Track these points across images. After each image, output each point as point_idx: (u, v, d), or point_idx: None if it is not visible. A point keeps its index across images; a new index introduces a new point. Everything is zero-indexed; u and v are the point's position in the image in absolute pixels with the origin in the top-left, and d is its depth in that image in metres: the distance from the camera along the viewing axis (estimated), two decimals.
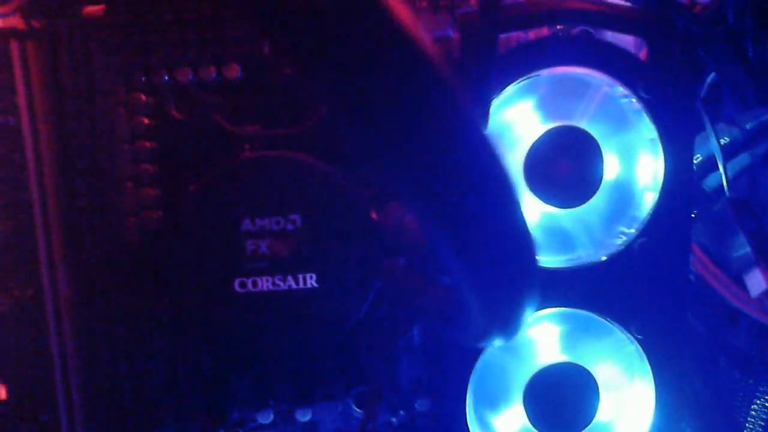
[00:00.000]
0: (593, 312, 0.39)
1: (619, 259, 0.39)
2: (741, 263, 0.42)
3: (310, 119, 0.40)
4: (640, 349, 0.39)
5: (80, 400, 0.42)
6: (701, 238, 0.44)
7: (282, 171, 0.39)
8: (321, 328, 0.41)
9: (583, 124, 0.37)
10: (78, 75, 0.39)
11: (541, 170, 0.37)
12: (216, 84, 0.40)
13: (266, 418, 0.43)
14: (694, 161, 0.40)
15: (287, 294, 0.40)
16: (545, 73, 0.37)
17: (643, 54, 0.39)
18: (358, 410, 0.43)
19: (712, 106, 0.42)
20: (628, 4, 0.37)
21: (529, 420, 0.39)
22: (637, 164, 0.39)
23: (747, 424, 0.46)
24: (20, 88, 0.39)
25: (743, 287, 0.42)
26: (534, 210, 0.39)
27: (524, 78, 0.37)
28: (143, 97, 0.40)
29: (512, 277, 0.21)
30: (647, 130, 0.38)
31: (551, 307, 0.40)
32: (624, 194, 0.39)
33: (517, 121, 0.39)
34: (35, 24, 0.38)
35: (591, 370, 0.40)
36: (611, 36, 0.38)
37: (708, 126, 0.39)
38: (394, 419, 0.44)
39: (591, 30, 0.36)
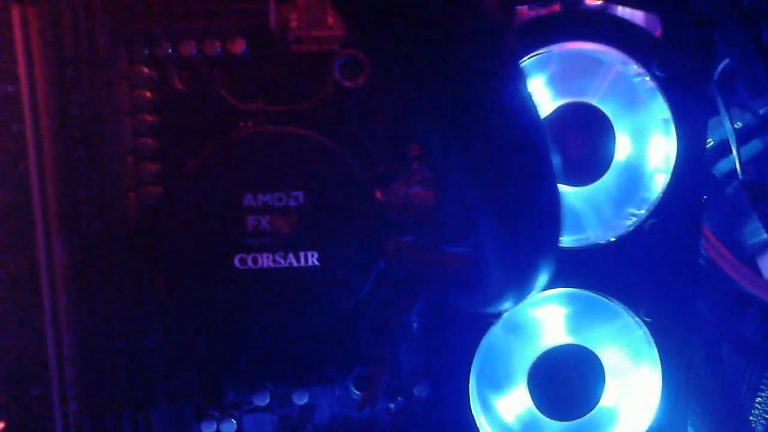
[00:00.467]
0: (601, 293, 0.39)
1: (628, 240, 0.38)
2: (754, 247, 0.41)
3: (315, 97, 0.40)
4: (648, 334, 0.39)
5: (73, 376, 0.41)
6: (712, 223, 0.43)
7: (287, 147, 0.39)
8: (321, 308, 0.40)
9: (594, 102, 0.37)
10: (79, 44, 0.39)
11: (552, 147, 0.36)
12: (220, 58, 0.39)
13: (262, 400, 0.43)
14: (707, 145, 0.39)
15: (288, 272, 0.39)
16: (557, 48, 0.37)
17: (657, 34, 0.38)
18: (357, 393, 0.43)
19: (725, 90, 0.41)
20: None
21: (533, 402, 0.39)
22: (648, 145, 0.39)
23: (753, 411, 0.45)
24: (20, 55, 0.39)
25: (756, 270, 0.42)
26: None
27: (535, 53, 0.37)
28: (146, 69, 0.39)
29: (538, 233, 0.21)
30: (660, 110, 0.38)
31: (558, 287, 0.39)
32: (634, 175, 0.39)
33: None
34: None
35: (597, 354, 0.39)
36: (625, 14, 0.38)
37: (721, 108, 0.39)
38: (392, 405, 0.44)
39: (605, 5, 0.36)
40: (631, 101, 0.38)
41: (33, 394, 0.42)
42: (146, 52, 0.39)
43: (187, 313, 0.41)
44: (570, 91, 0.38)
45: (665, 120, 0.38)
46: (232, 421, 0.43)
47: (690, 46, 0.36)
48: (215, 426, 0.43)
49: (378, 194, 0.39)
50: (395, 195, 0.39)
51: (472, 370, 0.40)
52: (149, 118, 0.40)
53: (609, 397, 0.41)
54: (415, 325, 0.42)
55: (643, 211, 0.39)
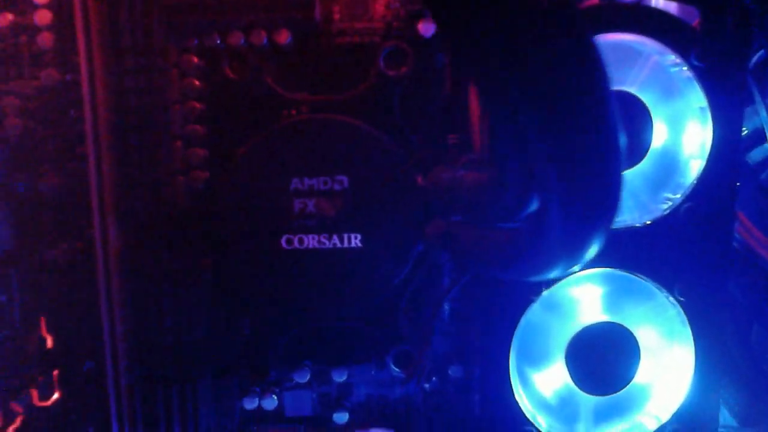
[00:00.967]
0: (636, 274, 0.40)
1: (664, 223, 0.39)
2: None
3: (359, 86, 0.41)
4: (682, 313, 0.40)
5: (124, 350, 0.42)
6: (745, 208, 0.44)
7: (333, 134, 0.40)
8: (363, 287, 0.41)
9: (633, 91, 0.38)
10: (135, 35, 0.40)
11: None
12: (266, 49, 0.41)
13: (303, 377, 0.44)
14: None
15: (332, 252, 0.41)
16: (596, 39, 0.38)
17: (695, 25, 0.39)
18: (396, 369, 0.44)
19: (761, 80, 0.42)
20: None
21: (571, 378, 0.40)
22: (684, 132, 0.40)
23: None
24: (81, 45, 0.40)
25: None
26: None
27: None
28: (195, 59, 0.41)
29: (601, 204, 0.22)
30: (697, 98, 0.39)
31: (595, 267, 0.40)
32: (671, 161, 0.40)
33: None
34: None
35: (632, 332, 0.40)
36: (659, 4, 0.39)
37: (757, 97, 0.40)
38: (426, 385, 0.45)
39: None
40: (669, 90, 0.39)
41: (87, 366, 0.44)
42: (196, 42, 0.40)
43: (233, 292, 0.42)
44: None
45: (702, 108, 0.39)
46: (273, 398, 0.44)
47: (727, 37, 0.37)
48: (257, 402, 0.44)
49: (419, 179, 0.41)
50: (436, 179, 0.40)
51: (512, 346, 0.41)
52: (198, 105, 0.41)
53: (643, 374, 0.42)
54: (447, 307, 0.43)
55: (678, 196, 0.40)
